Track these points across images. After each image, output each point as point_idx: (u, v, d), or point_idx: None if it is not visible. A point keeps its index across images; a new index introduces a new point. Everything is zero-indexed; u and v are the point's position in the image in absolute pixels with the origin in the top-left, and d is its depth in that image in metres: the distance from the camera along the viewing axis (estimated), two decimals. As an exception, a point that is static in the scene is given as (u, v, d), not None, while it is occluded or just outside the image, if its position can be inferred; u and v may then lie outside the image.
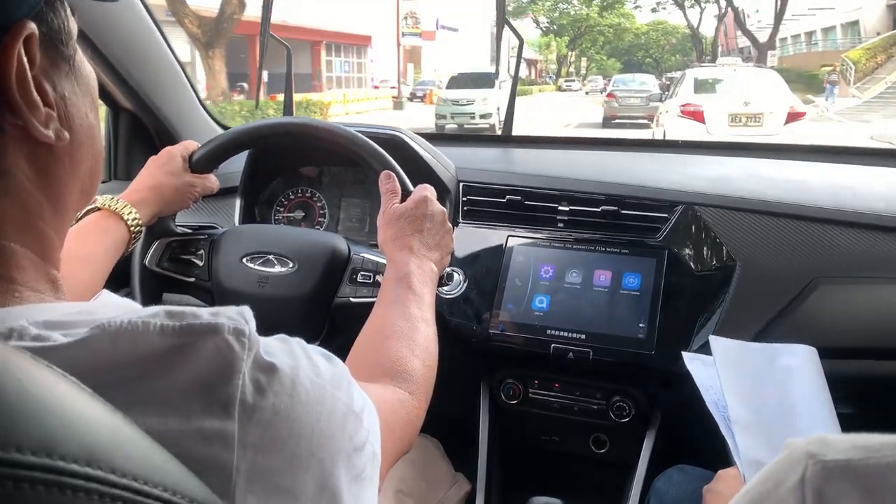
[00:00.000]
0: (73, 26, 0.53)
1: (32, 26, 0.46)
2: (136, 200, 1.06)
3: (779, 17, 25.94)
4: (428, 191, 1.04)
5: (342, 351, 0.88)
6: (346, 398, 0.52)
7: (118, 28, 1.42)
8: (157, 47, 1.53)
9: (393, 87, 30.05)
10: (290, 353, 0.49)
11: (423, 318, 0.89)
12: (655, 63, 61.16)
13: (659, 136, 10.70)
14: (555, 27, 57.97)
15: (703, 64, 13.95)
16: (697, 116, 9.47)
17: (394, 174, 1.06)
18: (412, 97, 29.94)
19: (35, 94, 0.47)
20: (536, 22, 58.37)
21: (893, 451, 0.41)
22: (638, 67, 53.74)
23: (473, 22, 47.87)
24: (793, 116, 9.21)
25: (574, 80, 50.19)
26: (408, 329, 0.86)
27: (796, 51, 39.04)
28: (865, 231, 1.27)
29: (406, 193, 1.06)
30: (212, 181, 1.19)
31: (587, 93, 36.30)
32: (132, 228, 1.03)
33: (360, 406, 0.54)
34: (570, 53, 60.99)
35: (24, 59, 0.46)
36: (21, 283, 0.48)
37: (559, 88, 48.21)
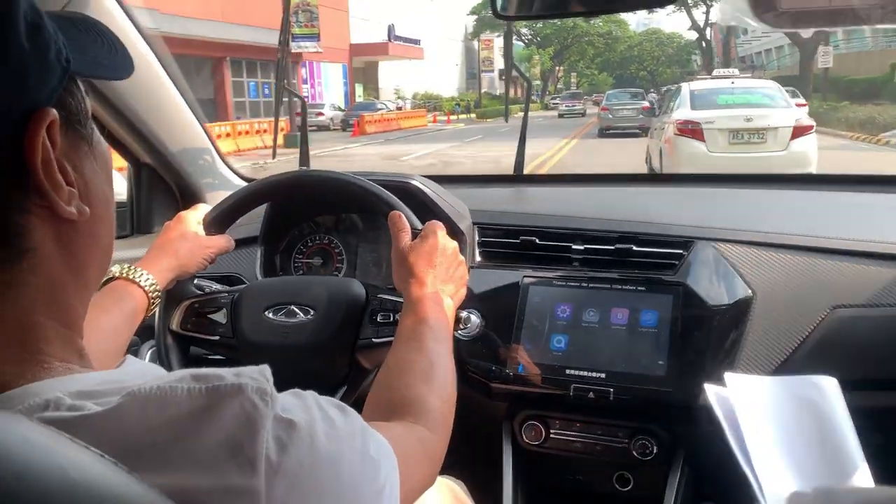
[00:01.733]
0: (89, 106, 0.56)
1: (54, 113, 0.49)
2: (151, 266, 1.08)
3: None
4: (438, 226, 1.06)
5: (369, 392, 0.89)
6: (363, 446, 0.54)
7: (136, 85, 1.47)
8: (175, 103, 1.58)
9: (317, 114, 25.21)
10: (305, 408, 0.51)
11: (440, 353, 0.90)
12: (650, 76, 57.91)
13: (654, 153, 10.14)
14: (538, 39, 53.81)
15: (697, 76, 13.40)
16: (696, 134, 8.75)
17: (402, 213, 1.08)
18: (344, 126, 25.75)
19: (59, 175, 0.50)
20: (518, 34, 52.96)
21: None
22: (631, 82, 51.46)
23: (434, 32, 42.86)
24: (799, 131, 8.56)
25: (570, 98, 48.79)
26: (425, 364, 0.87)
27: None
28: (882, 260, 1.27)
29: (416, 231, 1.08)
30: (226, 241, 1.21)
31: (560, 115, 33.68)
32: (150, 294, 1.05)
33: (376, 452, 0.56)
34: (557, 69, 57.26)
35: (48, 144, 0.49)
36: (49, 354, 0.50)
37: (546, 107, 45.31)
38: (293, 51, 20.38)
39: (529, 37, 53.85)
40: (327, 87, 33.94)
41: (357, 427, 0.55)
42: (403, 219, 1.07)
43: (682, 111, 9.39)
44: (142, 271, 1.06)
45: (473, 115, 37.33)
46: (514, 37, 52.47)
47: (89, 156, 0.55)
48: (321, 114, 26.67)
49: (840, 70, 25.67)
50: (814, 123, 9.01)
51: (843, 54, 28.75)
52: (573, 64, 60.87)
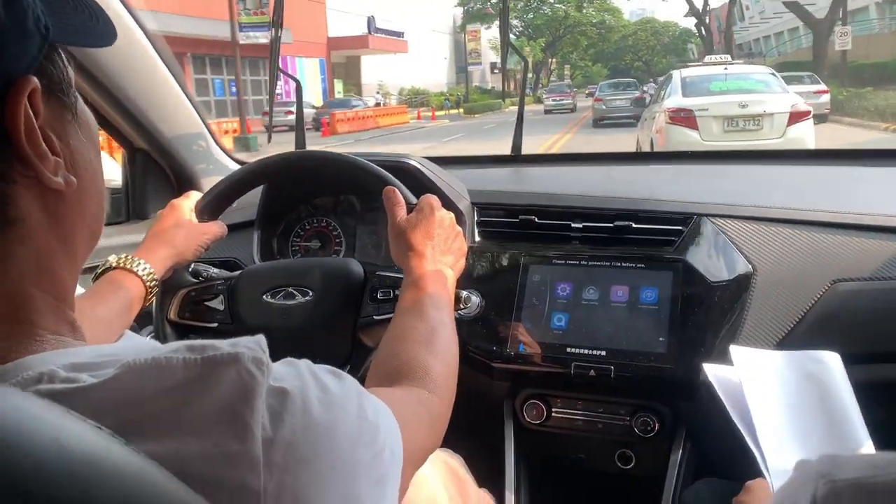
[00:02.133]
0: (72, 75, 0.55)
1: (35, 80, 0.48)
2: (149, 255, 1.07)
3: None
4: (433, 199, 1.06)
5: None
6: (359, 410, 0.54)
7: (130, 69, 1.46)
8: (169, 87, 1.56)
9: (287, 112, 18.92)
10: (297, 375, 0.51)
11: (441, 320, 0.90)
12: (646, 66, 56.42)
13: (645, 144, 9.66)
14: (529, 30, 51.54)
15: (690, 64, 12.88)
16: (689, 122, 8.33)
17: (396, 189, 1.08)
18: (317, 125, 22.59)
19: (43, 144, 0.49)
20: (509, 25, 54.51)
21: None
22: (626, 73, 49.60)
23: (419, 25, 41.33)
24: (796, 116, 8.17)
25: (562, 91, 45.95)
26: (424, 330, 0.87)
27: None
28: (883, 233, 1.27)
29: (410, 206, 1.07)
30: (219, 227, 1.20)
31: (547, 111, 29.97)
32: (147, 283, 1.05)
33: (373, 416, 0.56)
34: (550, 60, 55.27)
35: (31, 113, 0.48)
36: (41, 326, 0.50)
37: (538, 100, 40.58)
38: (241, 42, 19.20)
39: (520, 28, 52.01)
40: (303, 84, 31.14)
41: (352, 391, 0.55)
42: (398, 194, 1.06)
43: (674, 99, 8.96)
44: (139, 260, 1.05)
45: (461, 111, 35.08)
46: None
47: (73, 125, 0.54)
48: (291, 112, 22.16)
49: (849, 55, 23.69)
50: (811, 109, 8.65)
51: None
52: (566, 55, 58.79)
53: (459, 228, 1.06)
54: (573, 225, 1.41)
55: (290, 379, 0.49)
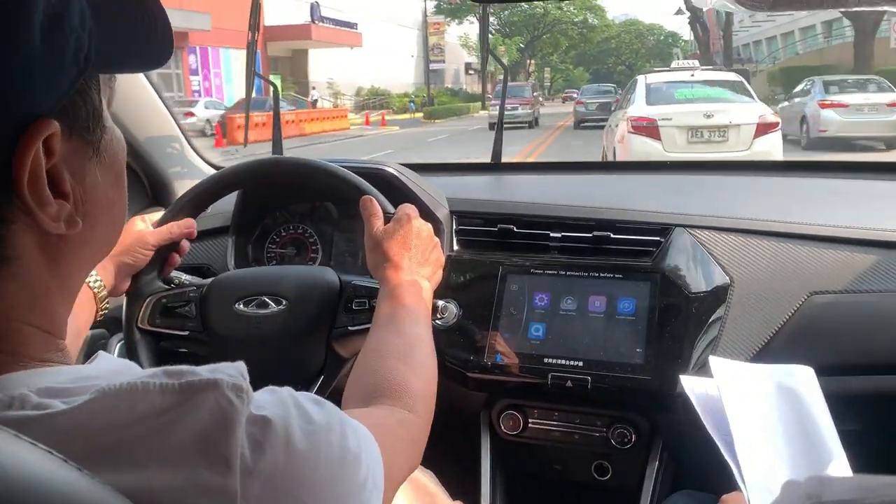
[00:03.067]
0: (105, 104, 0.51)
1: (55, 125, 0.44)
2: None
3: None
4: (411, 209, 1.04)
5: (348, 381, 0.87)
6: (341, 439, 0.53)
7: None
8: (143, 89, 1.54)
9: (184, 115, 15.18)
10: (279, 403, 0.49)
11: (418, 335, 0.89)
12: (629, 70, 52.83)
13: (609, 152, 9.23)
14: (506, 28, 47.41)
15: (655, 69, 12.35)
16: (652, 133, 7.95)
17: (373, 198, 1.06)
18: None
19: (47, 191, 0.45)
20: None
21: (890, 492, 0.41)
22: (608, 77, 48.34)
23: (381, 17, 35.70)
24: (763, 128, 7.86)
25: (517, 108, 40.27)
26: (403, 346, 0.86)
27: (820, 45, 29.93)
28: (860, 246, 1.27)
29: (389, 216, 1.06)
30: (168, 229, 1.14)
31: (493, 126, 16.62)
32: (93, 287, 1.04)
33: (356, 445, 0.55)
34: (529, 62, 51.72)
35: (41, 158, 0.44)
36: (29, 356, 0.48)
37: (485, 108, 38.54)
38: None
39: (497, 26, 48.27)
40: (229, 79, 25.76)
41: (335, 421, 0.54)
42: (375, 203, 1.05)
43: (637, 107, 8.55)
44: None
45: (421, 115, 31.06)
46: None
47: (93, 161, 0.50)
48: (191, 114, 18.99)
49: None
50: (779, 120, 8.34)
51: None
52: (545, 57, 55.29)
53: (437, 239, 1.05)
54: (552, 234, 1.40)
55: (272, 407, 0.48)
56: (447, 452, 1.19)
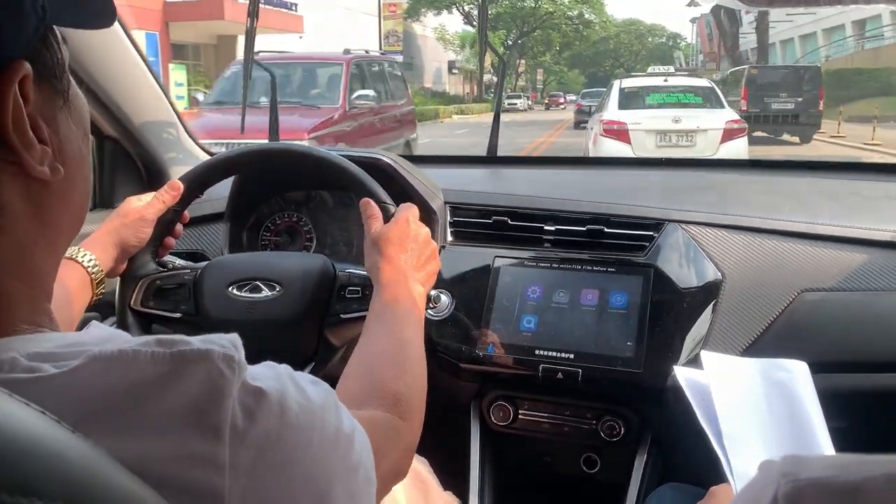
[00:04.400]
0: (66, 57, 0.53)
1: (27, 66, 0.46)
2: (90, 245, 1.06)
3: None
4: (410, 211, 1.04)
5: (339, 368, 0.87)
6: (336, 420, 0.53)
7: (101, 56, 1.42)
8: (141, 74, 1.53)
9: None
10: (276, 377, 0.50)
11: (411, 341, 0.88)
12: (628, 74, 50.46)
13: (587, 154, 8.98)
14: (489, 22, 41.52)
15: (632, 74, 12.80)
16: (622, 136, 8.11)
17: (373, 200, 1.06)
18: None
19: (31, 132, 0.47)
20: (465, 15, 40.61)
21: (865, 468, 0.41)
22: (605, 80, 41.12)
23: (342, 3, 29.57)
24: (730, 133, 8.01)
25: (520, 97, 37.39)
26: (395, 353, 0.85)
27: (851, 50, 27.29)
28: (851, 245, 1.28)
29: (389, 215, 1.06)
30: (160, 200, 1.13)
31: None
32: (90, 270, 1.03)
33: (349, 428, 0.55)
34: (518, 61, 46.69)
35: (20, 99, 0.46)
36: (18, 318, 0.48)
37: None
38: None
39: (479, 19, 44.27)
40: None
41: (331, 401, 0.54)
42: (374, 205, 1.05)
43: (610, 111, 8.78)
44: (79, 248, 1.04)
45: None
46: (462, 20, 40.91)
47: (64, 111, 0.52)
48: None
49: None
50: (746, 126, 8.43)
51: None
52: (536, 56, 49.26)
53: (435, 245, 1.04)
54: (546, 227, 1.41)
55: (269, 381, 0.48)
56: (438, 443, 1.20)
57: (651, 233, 1.35)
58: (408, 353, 0.86)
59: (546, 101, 40.21)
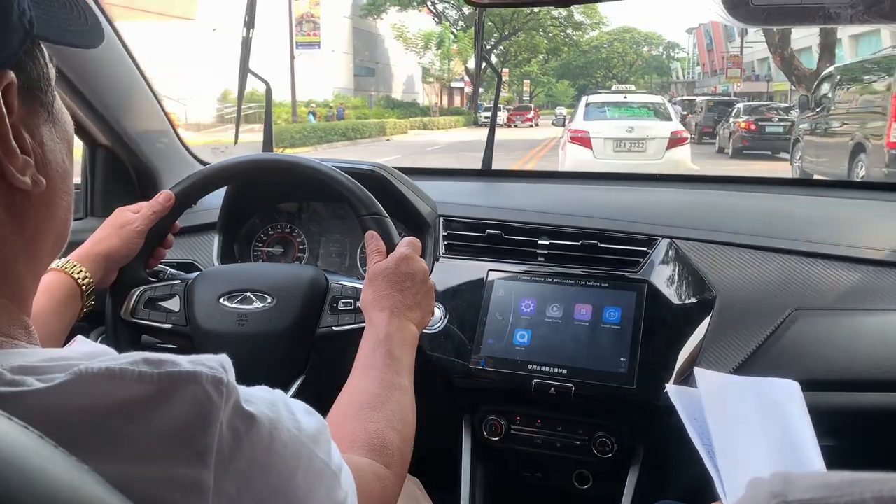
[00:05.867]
0: (52, 73, 0.53)
1: (11, 76, 0.47)
2: (80, 257, 1.06)
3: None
4: (410, 247, 1.03)
5: (329, 381, 0.86)
6: (325, 455, 0.53)
7: (95, 64, 1.42)
8: (135, 83, 1.53)
9: None
10: (271, 404, 0.49)
11: (401, 386, 0.87)
12: (621, 85, 42.33)
13: (560, 160, 10.61)
14: (463, 19, 36.38)
15: (599, 91, 14.19)
16: (585, 142, 9.57)
17: (378, 233, 1.06)
18: None
19: (13, 141, 0.47)
20: (437, 15, 36.84)
21: (855, 489, 0.40)
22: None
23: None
24: (675, 142, 9.47)
25: (500, 109, 22.06)
26: (385, 398, 0.84)
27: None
28: (844, 263, 1.29)
29: (385, 227, 1.06)
30: (151, 211, 1.13)
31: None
32: (80, 282, 1.03)
33: (337, 465, 0.55)
34: (502, 70, 32.97)
35: (2, 108, 0.46)
36: None
37: (476, 122, 28.50)
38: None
39: (455, 17, 36.33)
40: None
41: (324, 434, 0.54)
42: (378, 240, 1.05)
43: (576, 121, 10.27)
44: (68, 260, 1.04)
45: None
46: (433, 20, 36.74)
47: (48, 124, 0.53)
48: None
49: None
50: (688, 135, 9.94)
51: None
52: (521, 65, 43.14)
53: (432, 283, 1.03)
54: (540, 242, 1.41)
55: (263, 406, 0.48)
56: (430, 457, 1.19)
57: (644, 248, 1.35)
58: (396, 401, 0.85)
59: (507, 118, 30.33)
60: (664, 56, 53.27)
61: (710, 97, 23.42)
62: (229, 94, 23.25)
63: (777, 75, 31.90)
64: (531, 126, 30.48)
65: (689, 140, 9.78)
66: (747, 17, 0.88)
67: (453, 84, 40.35)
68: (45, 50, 0.53)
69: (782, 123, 14.34)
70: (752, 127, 14.44)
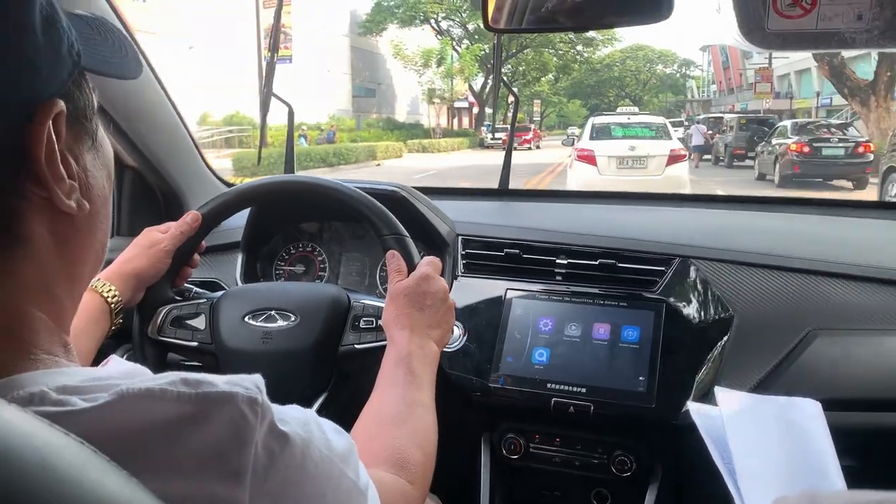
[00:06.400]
0: (95, 102, 0.56)
1: (61, 104, 0.49)
2: (110, 276, 1.08)
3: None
4: (430, 266, 1.05)
5: (352, 398, 0.87)
6: (353, 475, 0.55)
7: (124, 89, 1.46)
8: (161, 105, 1.57)
9: None
10: (303, 423, 0.51)
11: (423, 403, 0.89)
12: (634, 104, 43.52)
13: (568, 177, 11.29)
14: (466, 36, 35.52)
15: (604, 113, 14.72)
16: (590, 160, 10.21)
17: (399, 252, 1.08)
18: None
19: (61, 167, 0.49)
20: (439, 30, 35.95)
21: None
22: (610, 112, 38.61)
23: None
24: (673, 159, 10.08)
25: (506, 129, 19.29)
26: (407, 415, 0.86)
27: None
28: (861, 283, 1.29)
29: (405, 246, 1.09)
30: (179, 231, 1.16)
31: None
32: (110, 300, 1.05)
33: (364, 484, 0.56)
34: (507, 90, 29.20)
35: (53, 135, 0.48)
36: (36, 345, 0.49)
37: (482, 143, 29.31)
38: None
39: (460, 34, 35.14)
40: None
41: (353, 454, 0.56)
42: (400, 259, 1.07)
43: (583, 141, 11.08)
44: (104, 282, 1.06)
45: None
46: (436, 36, 35.39)
47: (92, 151, 0.55)
48: None
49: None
50: (686, 153, 10.59)
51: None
52: (531, 84, 40.48)
53: (452, 301, 1.05)
54: (558, 261, 1.42)
55: (296, 426, 0.50)
56: (449, 475, 1.20)
57: (662, 268, 1.36)
58: (419, 417, 0.87)
59: (503, 140, 23.79)
60: (678, 74, 52.20)
61: (741, 114, 21.75)
62: (208, 118, 22.39)
63: (800, 91, 31.02)
64: (529, 149, 27.17)
65: (687, 157, 10.49)
66: (763, 41, 0.89)
67: (457, 104, 38.65)
68: (89, 80, 0.55)
69: (843, 145, 12.58)
70: (806, 150, 12.63)
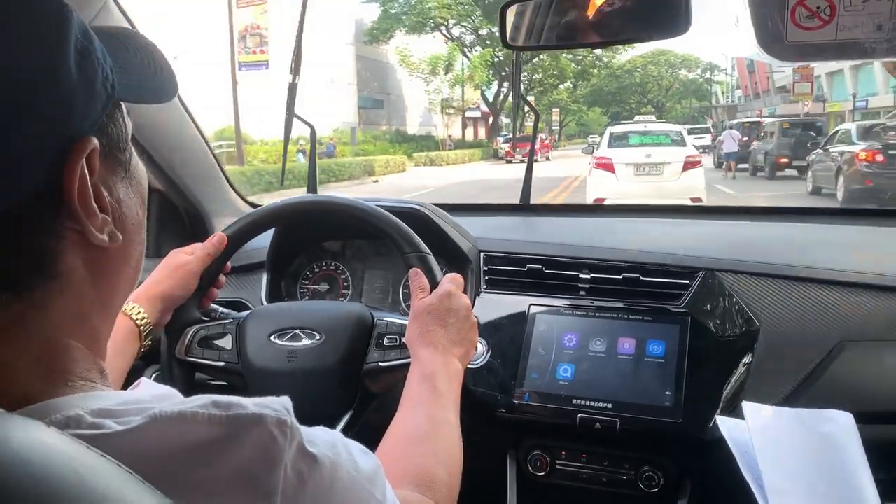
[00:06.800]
0: (129, 129, 0.56)
1: (95, 142, 0.49)
2: (139, 298, 1.09)
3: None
4: (453, 284, 1.05)
5: (377, 416, 0.88)
6: (381, 495, 0.55)
7: (151, 112, 1.49)
8: (185, 125, 1.59)
9: None
10: (331, 445, 0.51)
11: (448, 421, 0.89)
12: (657, 111, 43.53)
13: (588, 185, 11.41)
14: (478, 46, 34.34)
15: (621, 122, 14.75)
16: (608, 168, 10.50)
17: (421, 270, 1.09)
18: None
19: (93, 203, 0.50)
20: (450, 37, 34.60)
21: None
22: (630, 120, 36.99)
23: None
24: (688, 165, 10.27)
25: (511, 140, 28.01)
26: (432, 433, 0.86)
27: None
28: (891, 293, 1.27)
29: (427, 264, 1.09)
30: (206, 252, 1.17)
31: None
32: (139, 322, 1.06)
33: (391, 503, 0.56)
34: (530, 99, 28.99)
35: (86, 172, 0.49)
36: (74, 373, 0.50)
37: (496, 153, 28.76)
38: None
39: (473, 39, 34.12)
40: None
41: (379, 475, 0.56)
42: (422, 276, 1.08)
43: (602, 149, 11.36)
44: (133, 304, 1.07)
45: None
46: (446, 42, 34.12)
47: (125, 181, 0.56)
48: None
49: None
50: (701, 159, 10.67)
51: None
52: (548, 92, 39.54)
53: (475, 318, 1.06)
54: (581, 276, 1.42)
55: (324, 447, 0.50)
56: (475, 493, 1.20)
57: (686, 281, 1.35)
58: (444, 436, 0.87)
59: (506, 151, 26.66)
60: (702, 79, 50.38)
61: (785, 118, 19.20)
62: (221, 133, 20.99)
63: (833, 94, 29.84)
64: (537, 161, 25.66)
65: (702, 163, 10.60)
66: (782, 53, 0.89)
67: (469, 113, 37.34)
68: (123, 108, 0.56)
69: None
70: (880, 158, 10.56)
